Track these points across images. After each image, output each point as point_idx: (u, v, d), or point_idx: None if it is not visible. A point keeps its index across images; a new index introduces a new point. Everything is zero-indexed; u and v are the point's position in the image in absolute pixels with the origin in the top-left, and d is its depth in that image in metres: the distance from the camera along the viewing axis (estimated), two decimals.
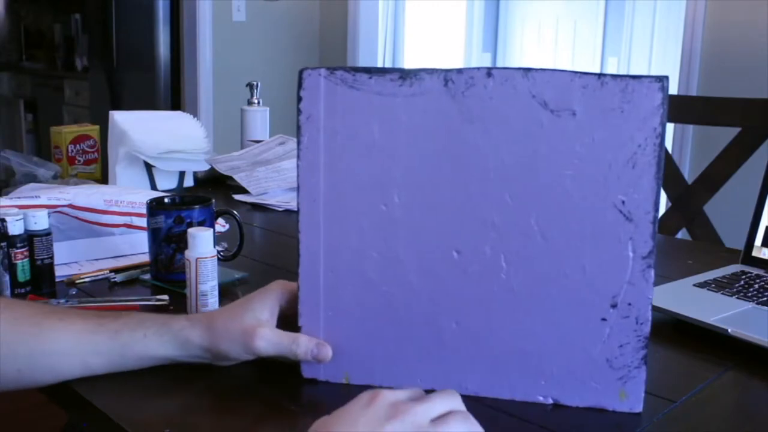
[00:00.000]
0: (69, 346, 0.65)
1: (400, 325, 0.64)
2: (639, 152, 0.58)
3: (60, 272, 0.90)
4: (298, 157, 0.63)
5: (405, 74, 0.61)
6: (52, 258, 0.87)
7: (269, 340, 0.65)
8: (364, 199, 0.63)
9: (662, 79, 0.57)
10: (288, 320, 0.68)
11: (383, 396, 0.51)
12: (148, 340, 0.66)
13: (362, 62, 3.50)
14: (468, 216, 0.61)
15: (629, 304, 0.60)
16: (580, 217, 0.59)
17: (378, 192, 0.63)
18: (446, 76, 0.60)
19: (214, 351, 0.66)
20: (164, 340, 0.66)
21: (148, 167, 1.39)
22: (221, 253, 0.92)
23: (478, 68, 0.60)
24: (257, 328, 0.65)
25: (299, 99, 0.63)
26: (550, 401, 0.63)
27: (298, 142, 0.63)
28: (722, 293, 0.86)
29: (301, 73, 0.62)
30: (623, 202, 0.58)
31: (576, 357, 0.62)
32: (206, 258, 0.77)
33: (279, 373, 0.68)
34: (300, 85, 0.62)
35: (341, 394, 0.65)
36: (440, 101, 0.60)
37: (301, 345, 0.65)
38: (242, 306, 0.67)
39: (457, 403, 0.54)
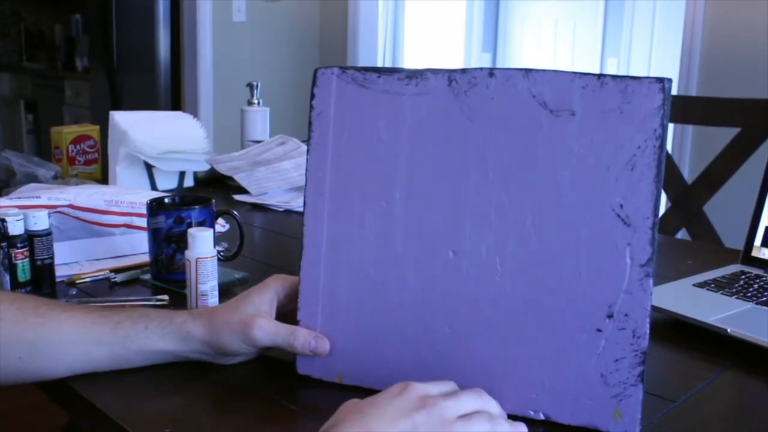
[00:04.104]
0: (72, 336, 0.66)
1: (394, 326, 0.64)
2: (638, 154, 0.56)
3: (60, 272, 0.90)
4: (308, 151, 0.65)
5: (412, 74, 0.62)
6: (52, 258, 0.87)
7: (267, 330, 0.65)
8: (367, 195, 0.64)
9: (663, 80, 0.56)
10: (287, 315, 0.68)
11: (414, 388, 0.53)
12: (149, 332, 0.66)
13: (362, 62, 3.50)
14: (466, 215, 0.61)
15: (626, 315, 0.57)
16: (577, 220, 0.58)
17: (380, 188, 0.63)
18: (450, 75, 0.61)
19: (213, 344, 0.66)
20: (165, 333, 0.66)
21: (149, 167, 1.39)
22: (221, 253, 0.92)
23: (481, 68, 0.60)
24: (255, 319, 0.65)
25: (312, 96, 0.64)
26: (542, 416, 0.61)
27: (309, 138, 0.65)
28: (722, 293, 0.86)
29: (315, 72, 0.64)
30: (621, 205, 0.57)
31: (569, 369, 0.59)
32: (206, 258, 0.77)
33: (279, 373, 0.68)
34: (314, 83, 0.64)
35: (341, 395, 0.65)
36: (443, 100, 0.61)
37: (299, 337, 0.65)
38: (242, 299, 0.68)
39: (485, 403, 0.55)
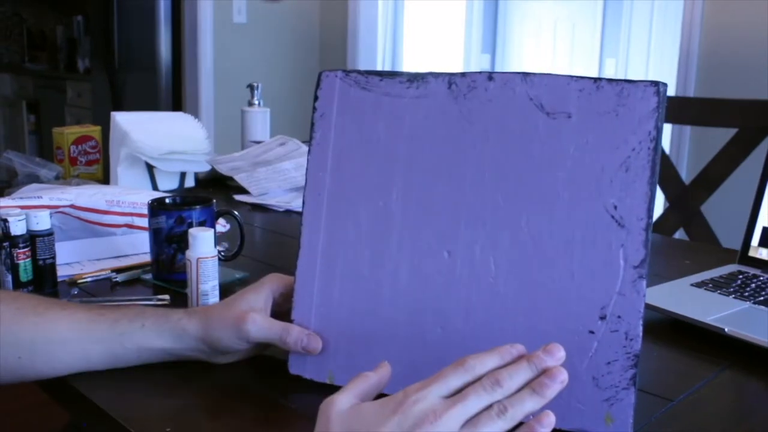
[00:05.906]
0: (70, 334, 0.66)
1: (387, 327, 0.64)
2: (633, 156, 0.56)
3: (62, 272, 0.90)
4: (309, 152, 0.66)
5: (413, 77, 0.63)
6: (54, 258, 0.87)
7: (260, 325, 0.66)
8: (365, 196, 0.64)
9: (658, 84, 0.56)
10: (282, 314, 0.68)
11: (410, 404, 0.47)
12: (146, 330, 0.67)
13: (362, 64, 3.51)
14: (461, 217, 0.61)
15: (619, 317, 0.57)
16: (571, 221, 0.58)
17: (378, 189, 0.64)
18: (450, 79, 0.62)
19: (208, 340, 0.67)
20: (162, 331, 0.67)
21: (150, 168, 1.39)
22: (222, 253, 0.93)
23: (480, 72, 0.61)
24: (249, 314, 0.66)
25: (315, 98, 0.66)
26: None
27: (311, 138, 0.66)
28: (719, 293, 0.86)
29: (320, 75, 0.66)
30: (615, 206, 0.57)
31: None
32: (207, 258, 0.78)
33: (279, 374, 0.68)
34: (318, 85, 0.66)
35: None
36: (443, 103, 0.62)
37: (292, 334, 0.65)
38: (238, 297, 0.69)
39: (497, 394, 0.48)
